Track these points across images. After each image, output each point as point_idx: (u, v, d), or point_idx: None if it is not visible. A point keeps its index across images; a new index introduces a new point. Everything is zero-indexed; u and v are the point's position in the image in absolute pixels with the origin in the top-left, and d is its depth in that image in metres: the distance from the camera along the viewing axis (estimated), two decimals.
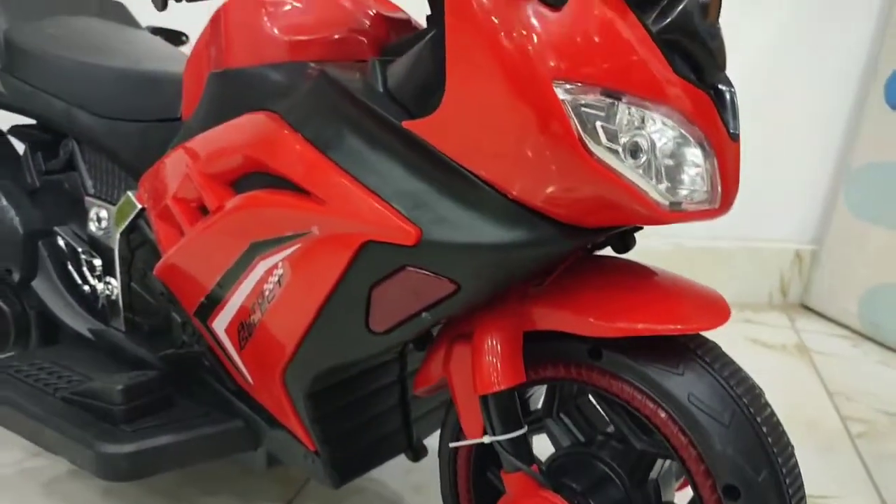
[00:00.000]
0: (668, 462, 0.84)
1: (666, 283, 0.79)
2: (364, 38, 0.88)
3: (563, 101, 0.63)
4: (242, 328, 0.89)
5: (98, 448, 0.91)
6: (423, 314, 0.76)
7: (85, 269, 1.13)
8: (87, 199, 1.13)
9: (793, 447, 0.75)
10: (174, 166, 0.95)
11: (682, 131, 0.67)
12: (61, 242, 1.16)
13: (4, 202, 1.16)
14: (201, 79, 0.95)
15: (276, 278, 0.82)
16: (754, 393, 0.75)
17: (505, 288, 0.75)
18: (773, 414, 0.75)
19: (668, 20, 0.66)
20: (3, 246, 1.17)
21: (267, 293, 0.84)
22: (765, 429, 0.73)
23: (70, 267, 1.15)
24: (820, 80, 2.15)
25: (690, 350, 0.75)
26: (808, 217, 2.27)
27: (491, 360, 0.78)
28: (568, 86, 0.64)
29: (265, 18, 0.87)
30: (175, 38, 1.50)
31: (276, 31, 0.87)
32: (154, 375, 0.99)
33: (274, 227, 0.80)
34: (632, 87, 0.65)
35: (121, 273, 1.08)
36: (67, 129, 1.14)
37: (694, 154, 0.68)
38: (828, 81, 2.16)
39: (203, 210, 0.91)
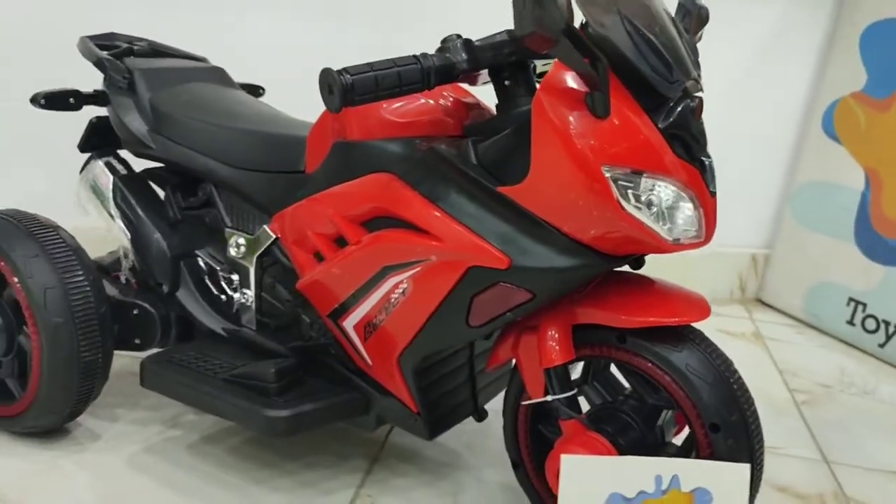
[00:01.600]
0: (669, 413, 1.22)
1: (666, 288, 1.17)
2: (450, 119, 1.23)
3: (607, 177, 1.00)
4: (368, 326, 1.25)
5: (265, 413, 1.26)
6: (507, 313, 1.13)
7: (223, 282, 1.47)
8: (227, 230, 1.46)
9: (753, 400, 1.14)
10: (311, 209, 1.30)
11: (681, 193, 1.04)
12: (201, 262, 1.50)
13: (157, 234, 1.50)
14: (325, 145, 1.29)
15: (402, 290, 1.18)
16: (727, 363, 1.13)
17: (562, 295, 1.13)
18: (740, 377, 1.14)
19: (671, 120, 1.03)
20: (156, 265, 1.50)
21: (393, 300, 1.20)
22: (735, 386, 1.12)
23: (207, 280, 1.49)
24: (771, 109, 2.55)
25: (685, 335, 1.13)
26: (761, 226, 2.68)
27: (552, 344, 1.15)
28: (610, 168, 1.00)
29: (382, 104, 1.22)
30: (255, 90, 1.84)
31: (388, 115, 1.22)
32: (292, 361, 1.34)
33: (402, 255, 1.16)
34: (649, 166, 1.01)
35: (255, 285, 1.43)
36: (205, 175, 1.48)
37: (687, 207, 1.05)
38: (777, 111, 2.56)
39: (338, 241, 1.27)
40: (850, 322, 2.33)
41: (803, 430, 1.80)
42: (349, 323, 1.28)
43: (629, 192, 1.01)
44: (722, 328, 2.39)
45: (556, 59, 1.01)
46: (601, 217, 1.02)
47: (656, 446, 1.20)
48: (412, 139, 1.21)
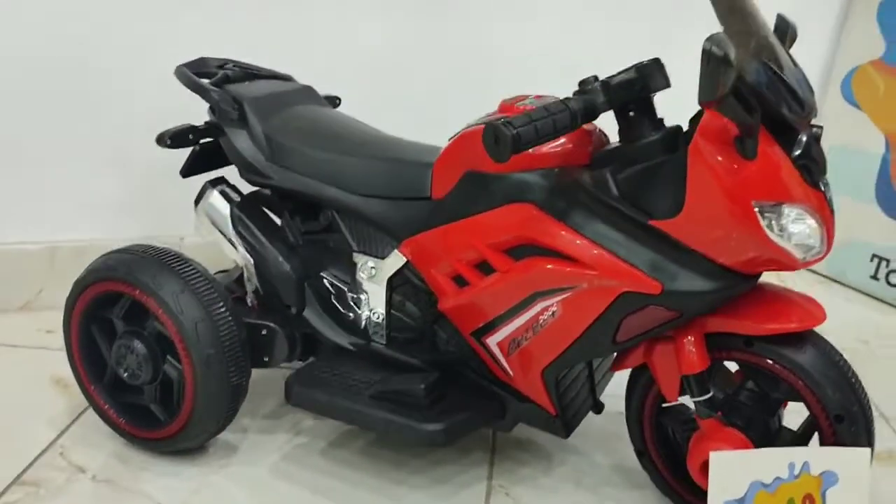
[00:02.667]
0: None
1: (786, 295, 1.31)
2: (578, 148, 1.33)
3: (756, 211, 1.13)
4: (513, 343, 1.37)
5: (424, 427, 1.38)
6: (653, 330, 1.26)
7: (350, 301, 1.57)
8: (355, 253, 1.55)
9: (866, 391, 1.29)
10: (450, 237, 1.39)
11: (813, 217, 1.16)
12: (326, 283, 1.59)
13: (280, 258, 1.58)
14: (455, 173, 1.38)
15: (551, 313, 1.30)
16: (844, 358, 1.29)
17: (706, 312, 1.26)
18: (854, 371, 1.29)
19: (800, 151, 1.15)
20: (281, 288, 1.59)
21: (541, 322, 1.31)
22: (853, 380, 1.27)
23: (334, 300, 1.59)
24: None
25: (805, 336, 1.28)
26: None
27: (690, 352, 1.29)
28: (758, 203, 1.13)
29: None
30: (333, 101, 1.90)
31: None
32: (435, 375, 1.46)
33: (553, 282, 1.27)
34: (790, 198, 1.14)
35: (385, 304, 1.54)
36: (327, 203, 1.56)
37: (816, 229, 1.18)
38: None
39: (479, 267, 1.37)
40: (874, 277, 2.52)
41: None
42: (493, 340, 1.40)
43: (773, 221, 1.14)
44: None
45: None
46: (749, 245, 1.15)
47: (777, 434, 1.36)
48: (548, 170, 1.31)
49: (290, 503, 1.51)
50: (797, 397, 1.29)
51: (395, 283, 1.53)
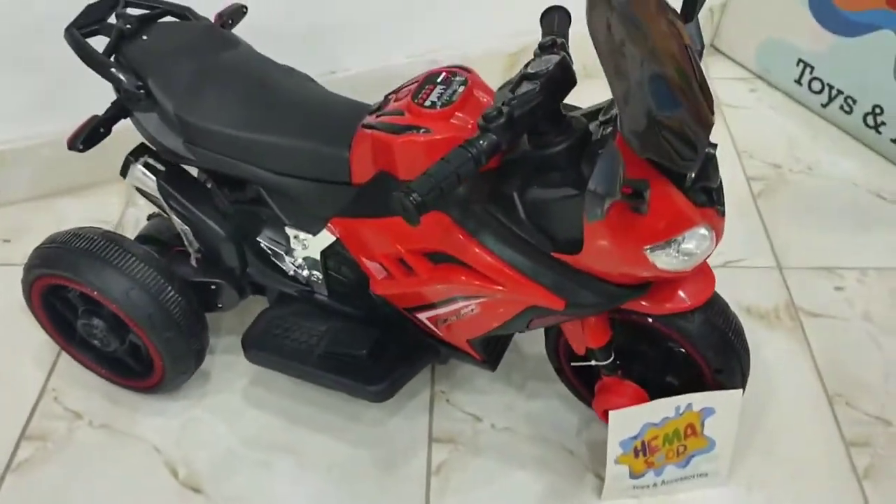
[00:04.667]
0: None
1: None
2: None
3: (647, 252, 1.23)
4: (440, 320, 1.53)
5: (368, 388, 1.59)
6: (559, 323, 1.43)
7: (289, 262, 1.68)
8: (287, 227, 1.61)
9: (746, 341, 1.51)
10: (372, 233, 1.47)
11: (704, 234, 1.26)
12: (263, 246, 1.67)
13: (214, 225, 1.62)
14: (370, 168, 1.40)
15: (470, 309, 1.45)
16: (728, 318, 1.48)
17: None
18: (738, 325, 1.49)
19: (694, 176, 1.22)
20: (220, 252, 1.66)
21: (462, 313, 1.47)
22: (733, 338, 1.47)
23: (274, 259, 1.70)
24: None
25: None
26: None
27: (594, 327, 1.47)
28: (651, 246, 1.23)
29: (426, 147, 1.33)
30: (240, 12, 1.78)
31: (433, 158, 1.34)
32: (375, 334, 1.63)
33: (469, 291, 1.40)
34: (681, 230, 1.23)
35: (322, 269, 1.65)
36: (252, 180, 1.58)
37: (705, 241, 1.28)
38: None
39: (402, 261, 1.48)
40: (798, 81, 2.58)
41: (761, 233, 2.19)
42: (422, 316, 1.55)
43: (664, 252, 1.25)
44: None
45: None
46: (643, 272, 1.28)
47: (666, 381, 1.60)
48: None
49: (267, 431, 1.77)
50: (690, 361, 1.51)
51: (329, 253, 1.63)
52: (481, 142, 1.17)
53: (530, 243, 1.31)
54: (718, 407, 1.53)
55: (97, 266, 1.57)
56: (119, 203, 2.34)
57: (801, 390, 1.83)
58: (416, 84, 1.40)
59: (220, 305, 1.79)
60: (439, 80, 1.39)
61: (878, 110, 2.37)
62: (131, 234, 2.22)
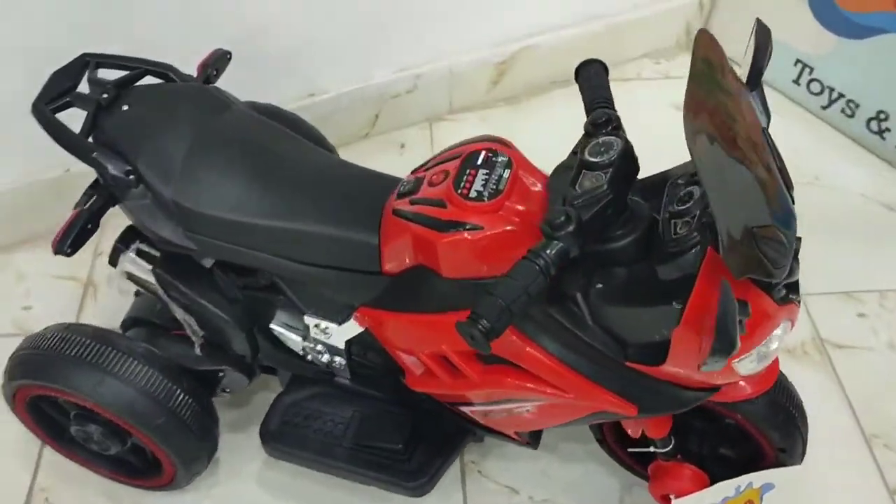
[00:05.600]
0: None
1: None
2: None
3: (732, 364, 1.13)
4: (487, 414, 1.41)
5: (408, 484, 1.47)
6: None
7: (307, 350, 1.52)
8: (307, 317, 1.44)
9: (806, 417, 1.43)
10: (412, 329, 1.32)
11: (784, 332, 1.17)
12: (277, 333, 1.51)
13: (222, 314, 1.44)
14: (405, 256, 1.25)
15: (525, 410, 1.33)
16: (791, 396, 1.40)
17: None
18: (800, 403, 1.41)
19: (784, 280, 1.11)
20: (230, 341, 1.50)
21: (515, 412, 1.34)
22: (796, 415, 1.40)
23: (290, 345, 1.54)
24: None
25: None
26: None
27: (656, 420, 1.37)
28: (739, 357, 1.12)
29: (475, 246, 1.18)
30: (224, 58, 1.56)
31: (486, 257, 1.19)
32: (408, 424, 1.50)
33: (528, 395, 1.28)
34: (766, 336, 1.13)
35: (346, 356, 1.50)
36: (266, 269, 1.41)
37: (786, 333, 1.18)
38: None
39: (447, 359, 1.34)
40: (796, 82, 2.49)
41: None
42: (465, 409, 1.43)
43: (748, 360, 1.15)
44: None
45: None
46: (723, 381, 1.18)
47: (726, 460, 1.52)
48: None
49: None
50: (748, 435, 1.42)
51: (354, 340, 1.48)
52: (549, 251, 1.03)
53: (601, 351, 1.19)
54: (778, 482, 1.46)
55: (94, 376, 1.39)
56: (85, 254, 2.10)
57: (834, 432, 1.78)
58: (452, 166, 1.24)
59: (226, 390, 1.62)
60: (479, 161, 1.23)
61: (882, 115, 2.30)
62: (104, 292, 2.05)
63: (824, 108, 2.46)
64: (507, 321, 1.00)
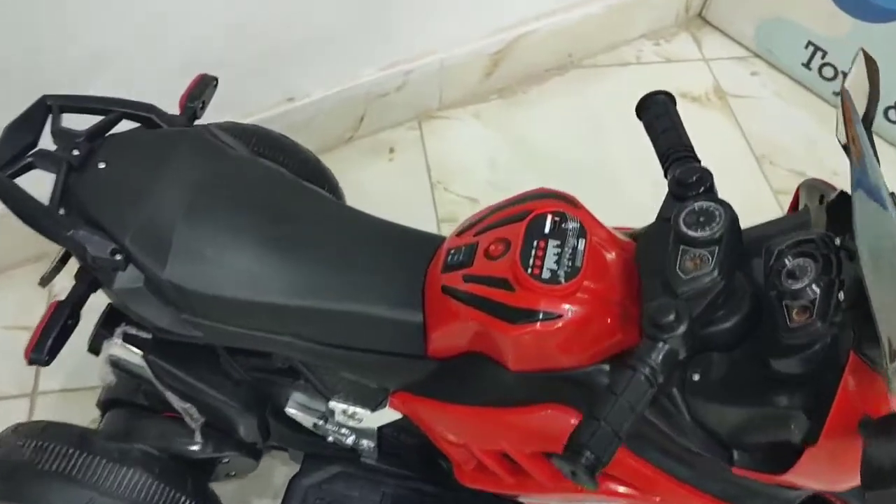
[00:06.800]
0: None
1: None
2: (633, 325, 1.01)
3: None
4: None
5: None
6: None
7: (328, 433, 1.31)
8: (333, 402, 1.24)
9: None
10: (465, 422, 1.12)
11: None
12: (290, 414, 1.30)
13: (227, 402, 1.24)
14: (458, 340, 1.06)
15: None
16: None
17: None
18: None
19: None
20: (237, 428, 1.31)
21: None
22: None
23: (314, 429, 1.32)
24: None
25: None
26: None
27: None
28: None
29: (558, 340, 0.99)
30: (210, 83, 1.31)
31: (569, 348, 0.99)
32: (444, 500, 1.32)
33: (611, 497, 1.11)
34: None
35: (377, 439, 1.30)
36: (282, 352, 1.19)
37: None
38: None
39: (507, 456, 1.15)
40: (807, 66, 2.33)
41: None
42: (523, 499, 1.25)
43: None
44: (683, 91, 2.31)
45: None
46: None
47: None
48: (598, 367, 1.03)
49: None
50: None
51: (385, 428, 1.28)
52: (656, 356, 0.86)
53: (701, 456, 1.02)
54: None
55: (81, 495, 1.16)
56: (40, 296, 1.82)
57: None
58: (513, 233, 1.02)
59: (232, 474, 1.41)
60: (547, 229, 1.02)
61: None
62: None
63: (837, 94, 2.29)
64: (616, 449, 0.82)
